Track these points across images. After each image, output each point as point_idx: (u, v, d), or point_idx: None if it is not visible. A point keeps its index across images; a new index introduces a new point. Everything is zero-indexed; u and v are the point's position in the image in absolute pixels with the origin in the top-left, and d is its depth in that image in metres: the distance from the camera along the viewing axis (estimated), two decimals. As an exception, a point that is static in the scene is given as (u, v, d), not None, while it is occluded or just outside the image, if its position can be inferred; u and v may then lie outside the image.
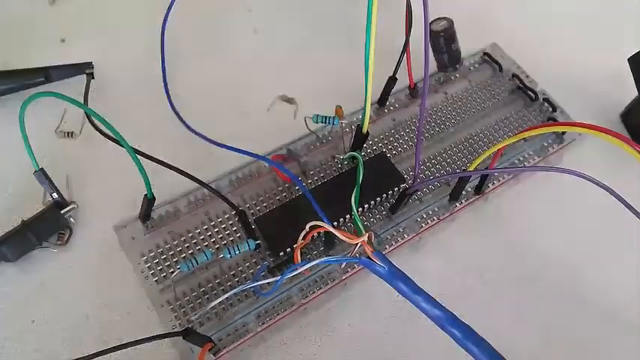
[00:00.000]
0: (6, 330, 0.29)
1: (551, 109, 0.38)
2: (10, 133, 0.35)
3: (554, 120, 0.37)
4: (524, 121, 0.38)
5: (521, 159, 0.36)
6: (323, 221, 0.26)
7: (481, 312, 0.32)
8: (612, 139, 0.24)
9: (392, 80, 0.36)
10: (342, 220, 0.31)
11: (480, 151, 0.36)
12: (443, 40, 0.36)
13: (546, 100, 0.38)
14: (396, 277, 0.25)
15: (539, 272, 0.33)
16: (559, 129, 0.26)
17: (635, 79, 0.37)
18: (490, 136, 0.37)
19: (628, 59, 0.38)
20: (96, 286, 0.30)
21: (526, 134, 0.27)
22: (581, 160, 0.37)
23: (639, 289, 0.33)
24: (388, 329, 0.31)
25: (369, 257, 0.25)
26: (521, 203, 0.36)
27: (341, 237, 0.25)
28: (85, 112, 0.28)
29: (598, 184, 0.24)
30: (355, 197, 0.29)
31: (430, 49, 0.37)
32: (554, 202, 0.36)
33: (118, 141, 0.26)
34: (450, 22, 0.36)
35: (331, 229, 0.25)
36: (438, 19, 0.36)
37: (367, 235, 0.25)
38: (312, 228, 0.26)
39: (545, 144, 0.36)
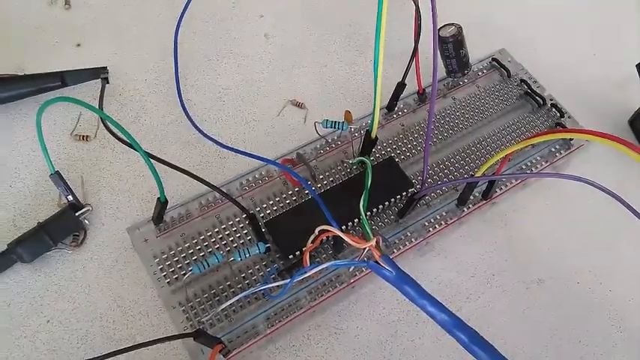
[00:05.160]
0: (21, 329, 0.29)
1: (558, 114, 0.38)
2: (27, 136, 0.36)
3: (562, 125, 0.38)
4: (532, 127, 0.38)
5: (529, 164, 0.36)
6: (332, 225, 0.26)
7: (487, 316, 0.32)
8: (619, 145, 0.24)
9: (401, 85, 0.36)
10: (350, 223, 0.32)
11: (487, 156, 0.36)
12: (451, 45, 0.36)
13: (554, 105, 0.38)
14: (404, 282, 0.25)
15: (546, 276, 0.34)
16: (565, 136, 0.27)
17: (643, 85, 0.37)
18: (498, 141, 0.37)
19: (636, 65, 0.38)
20: (109, 287, 0.31)
21: (533, 141, 0.27)
22: (588, 165, 0.37)
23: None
24: (396, 332, 0.31)
25: (376, 261, 0.25)
26: (528, 208, 0.36)
27: (349, 241, 0.25)
28: (100, 117, 0.29)
29: (604, 190, 0.24)
30: (364, 202, 0.30)
31: (439, 54, 0.37)
32: (561, 208, 0.36)
33: (132, 145, 0.27)
34: (459, 28, 0.36)
35: (339, 234, 0.26)
36: (447, 25, 0.37)
37: (375, 239, 0.26)
38: (320, 232, 0.26)
39: (553, 149, 0.37)
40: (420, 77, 0.36)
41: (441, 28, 0.37)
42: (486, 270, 0.34)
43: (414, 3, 0.35)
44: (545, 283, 0.33)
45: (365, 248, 0.26)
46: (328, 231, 0.26)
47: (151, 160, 0.28)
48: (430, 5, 0.27)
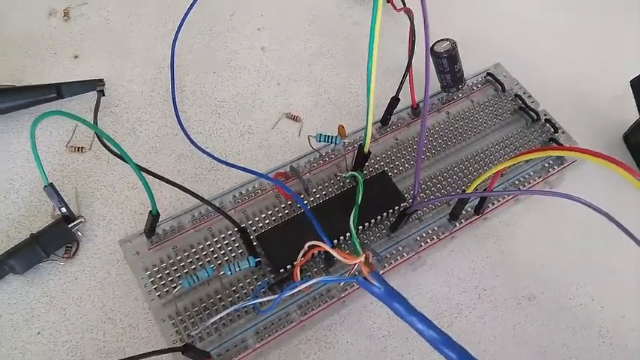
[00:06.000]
0: (12, 340, 0.29)
1: (552, 129, 0.38)
2: (23, 147, 0.36)
3: (556, 141, 0.38)
4: (526, 142, 0.38)
5: (522, 179, 0.36)
6: (322, 240, 0.27)
7: (479, 331, 0.32)
8: (609, 164, 0.24)
9: (395, 100, 0.36)
10: (342, 237, 0.32)
11: (481, 170, 0.36)
12: (446, 61, 0.37)
13: (548, 120, 0.38)
14: (392, 298, 0.25)
15: (538, 292, 0.34)
16: (556, 153, 0.27)
17: (636, 101, 0.37)
18: (491, 156, 0.37)
19: (630, 82, 0.38)
20: (100, 299, 0.31)
21: (523, 158, 0.27)
22: (582, 180, 0.37)
23: (635, 311, 0.33)
24: (386, 347, 0.31)
25: (365, 277, 0.25)
26: (520, 223, 0.36)
27: (338, 257, 0.25)
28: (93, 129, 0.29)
29: (593, 208, 0.24)
30: (354, 217, 0.30)
31: (431, 70, 0.37)
32: (553, 223, 0.36)
33: (124, 158, 0.27)
34: (453, 43, 0.37)
35: (328, 249, 0.26)
36: (442, 40, 0.37)
37: (364, 255, 0.26)
38: (310, 247, 0.27)
39: (546, 165, 0.37)
40: (414, 92, 0.37)
41: (435, 43, 0.37)
42: (478, 285, 0.34)
43: (409, 19, 0.35)
44: (536, 298, 0.33)
45: (354, 264, 0.26)
46: (318, 246, 0.26)
47: (143, 173, 0.28)
48: (424, 24, 0.28)
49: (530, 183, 0.36)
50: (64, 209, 0.32)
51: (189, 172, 0.36)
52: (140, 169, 0.27)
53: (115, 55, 0.41)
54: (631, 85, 0.38)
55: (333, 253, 0.26)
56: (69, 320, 0.30)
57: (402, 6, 0.42)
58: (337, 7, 0.46)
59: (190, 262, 0.31)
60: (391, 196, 0.33)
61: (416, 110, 0.38)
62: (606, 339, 0.32)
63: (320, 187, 0.34)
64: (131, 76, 0.40)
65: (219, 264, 0.31)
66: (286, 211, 0.33)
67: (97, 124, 0.35)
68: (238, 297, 0.30)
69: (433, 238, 0.33)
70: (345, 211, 0.31)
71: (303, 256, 0.28)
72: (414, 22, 0.36)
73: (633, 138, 0.40)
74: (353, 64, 0.43)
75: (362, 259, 0.26)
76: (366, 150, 0.32)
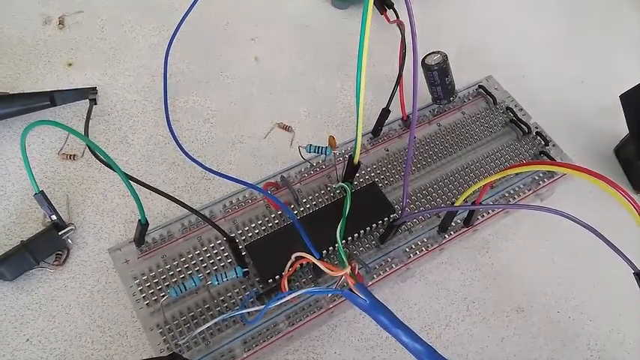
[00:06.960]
0: (0, 347, 0.29)
1: (543, 142, 0.38)
2: (15, 154, 0.36)
3: (546, 154, 0.38)
4: (516, 154, 0.38)
5: (512, 192, 0.36)
6: (310, 251, 0.27)
7: (466, 343, 0.32)
8: (595, 180, 0.24)
9: (385, 111, 0.36)
10: (331, 248, 0.32)
11: (471, 182, 0.36)
12: (437, 73, 0.37)
13: (539, 133, 0.39)
14: (377, 310, 0.25)
15: (526, 305, 0.34)
16: (543, 168, 0.27)
17: (625, 115, 0.38)
18: (482, 169, 0.37)
19: (620, 96, 0.38)
20: (89, 307, 0.31)
21: (511, 171, 0.28)
22: (572, 194, 0.38)
23: (624, 324, 0.34)
24: (374, 358, 0.31)
25: (351, 289, 0.25)
26: (509, 236, 0.36)
27: (324, 269, 0.26)
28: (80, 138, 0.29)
29: (580, 222, 0.25)
30: (340, 229, 0.30)
31: (422, 82, 0.38)
32: (543, 236, 0.37)
33: (112, 167, 0.27)
34: (444, 56, 0.37)
35: (314, 261, 0.26)
36: (433, 52, 0.37)
37: (350, 267, 0.26)
38: (297, 258, 0.27)
39: (537, 177, 0.37)
40: (404, 104, 0.37)
41: (426, 55, 0.37)
42: (466, 297, 0.34)
43: (400, 32, 0.35)
44: (525, 311, 0.33)
45: (340, 276, 0.26)
46: (304, 257, 0.26)
47: (132, 183, 0.28)
48: (411, 37, 0.28)
49: (520, 196, 0.36)
50: (54, 217, 0.32)
51: (180, 181, 0.36)
52: (129, 178, 0.28)
53: (108, 63, 0.41)
54: (620, 99, 0.38)
55: (319, 264, 0.26)
56: (58, 327, 0.30)
57: (395, 18, 0.42)
58: (331, 19, 0.46)
59: (179, 271, 0.31)
60: (381, 207, 0.34)
61: (406, 122, 0.38)
62: (594, 352, 0.32)
63: (310, 198, 0.35)
64: (124, 85, 0.40)
65: (208, 273, 0.31)
66: (276, 221, 0.33)
67: (87, 132, 0.35)
68: (226, 307, 0.30)
69: (422, 250, 0.33)
70: (334, 222, 0.31)
71: (291, 266, 0.28)
72: (405, 35, 0.36)
73: (623, 152, 0.40)
74: (345, 76, 0.43)
75: (347, 271, 0.26)
76: (355, 161, 0.33)
